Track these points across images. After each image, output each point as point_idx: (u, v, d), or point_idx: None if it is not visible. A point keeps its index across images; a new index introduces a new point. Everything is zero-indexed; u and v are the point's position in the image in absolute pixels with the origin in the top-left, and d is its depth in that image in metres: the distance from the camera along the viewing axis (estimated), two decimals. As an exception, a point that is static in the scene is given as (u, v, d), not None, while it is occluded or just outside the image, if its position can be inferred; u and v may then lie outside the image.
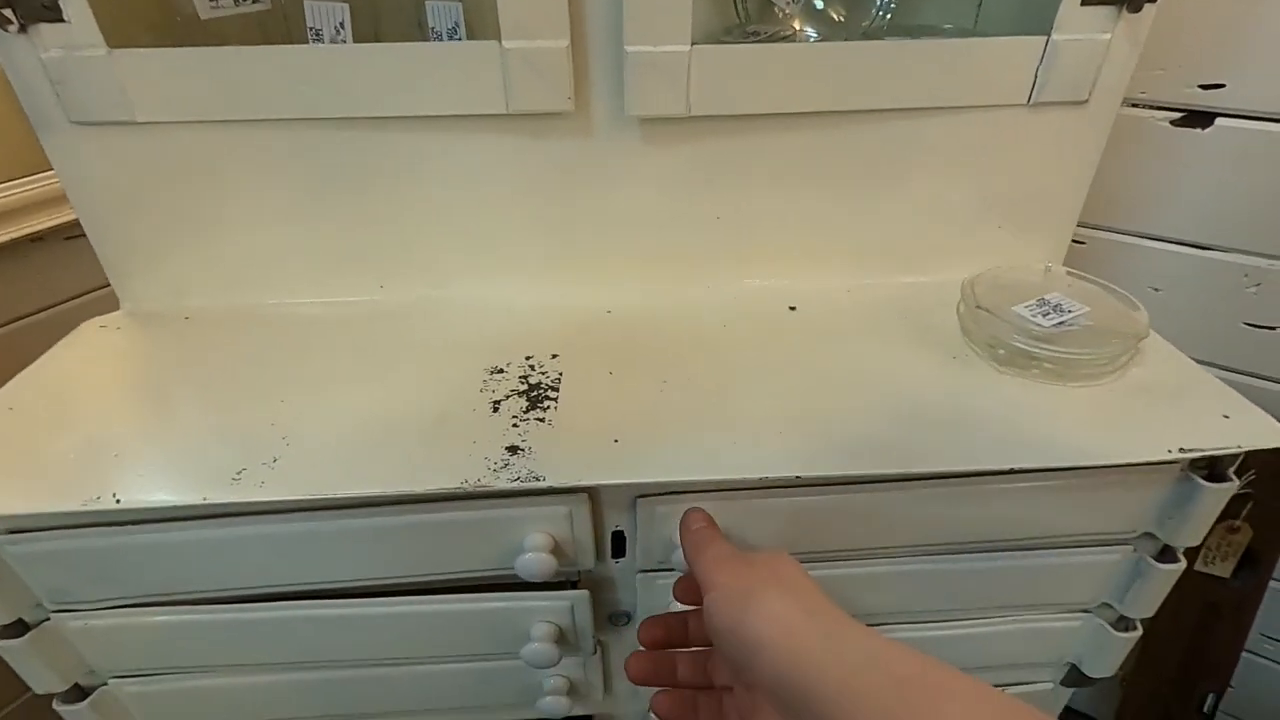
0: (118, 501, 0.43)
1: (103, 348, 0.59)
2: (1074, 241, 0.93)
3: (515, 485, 0.44)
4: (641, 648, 0.41)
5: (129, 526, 0.46)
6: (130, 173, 0.57)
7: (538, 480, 0.44)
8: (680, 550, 0.43)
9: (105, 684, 0.55)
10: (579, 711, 0.63)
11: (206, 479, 0.44)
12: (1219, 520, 0.92)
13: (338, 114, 0.55)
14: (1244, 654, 1.02)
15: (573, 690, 0.58)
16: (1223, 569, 0.94)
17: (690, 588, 0.42)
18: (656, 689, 0.40)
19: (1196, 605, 0.96)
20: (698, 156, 0.59)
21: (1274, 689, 1.07)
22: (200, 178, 0.58)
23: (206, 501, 0.43)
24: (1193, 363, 0.54)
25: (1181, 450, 0.46)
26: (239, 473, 0.45)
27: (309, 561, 0.49)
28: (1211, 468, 0.50)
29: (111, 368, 0.57)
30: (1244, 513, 0.90)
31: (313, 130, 0.56)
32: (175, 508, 0.44)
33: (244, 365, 0.56)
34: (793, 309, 0.63)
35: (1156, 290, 0.91)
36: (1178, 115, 0.82)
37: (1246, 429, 0.47)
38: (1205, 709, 1.00)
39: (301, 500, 0.43)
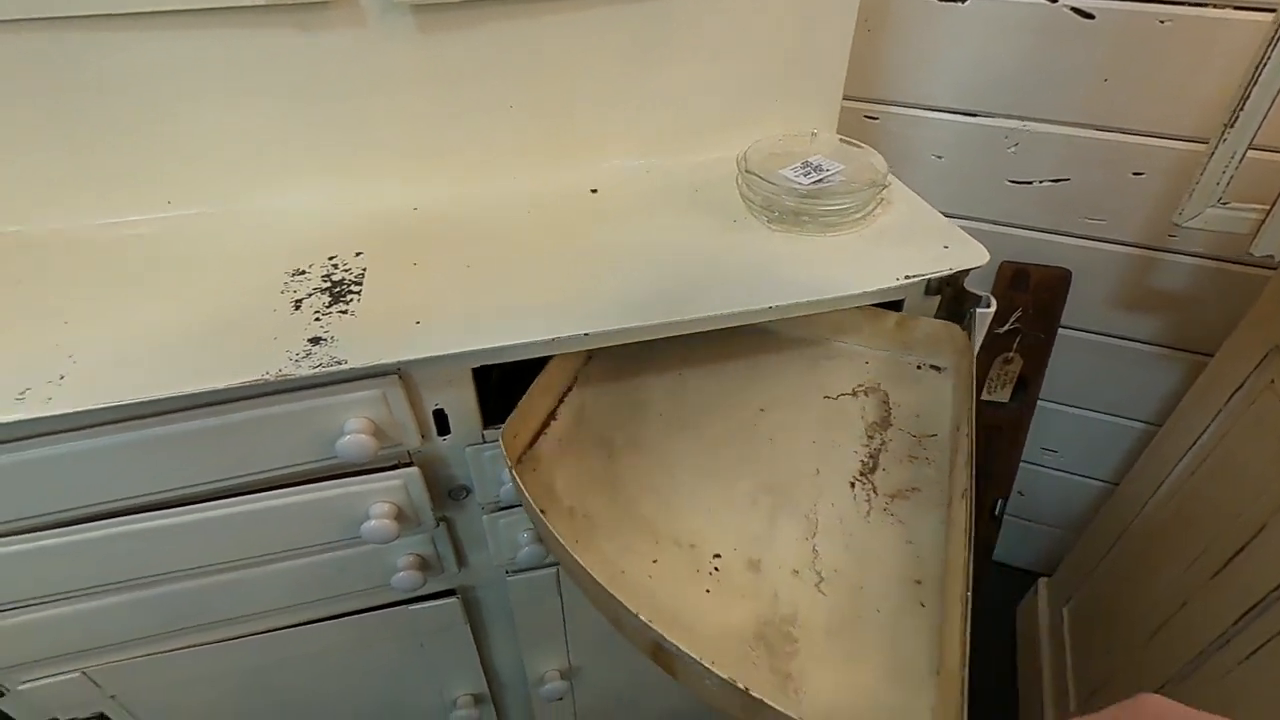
0: (-115, 436, 0.41)
1: None
2: (867, 117, 1.02)
3: (317, 371, 0.46)
4: None
5: (-92, 463, 0.44)
6: None
7: (339, 364, 0.46)
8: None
9: (-72, 632, 0.54)
10: (439, 586, 0.68)
11: (-15, 403, 0.43)
12: (996, 353, 1.09)
13: (72, 11, 0.51)
14: (1025, 464, 1.23)
15: (425, 565, 0.63)
16: (1002, 395, 1.11)
17: None
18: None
19: (983, 429, 1.13)
20: (477, 43, 0.60)
21: (1052, 491, 1.30)
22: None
23: (-13, 424, 0.42)
24: (928, 206, 0.63)
25: (906, 277, 0.54)
26: (23, 392, 0.44)
27: (121, 477, 0.49)
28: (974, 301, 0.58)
29: None
30: (1015, 345, 1.06)
31: (46, 33, 0.52)
32: (-47, 434, 0.43)
33: (15, 293, 0.53)
34: (594, 192, 0.66)
35: (939, 158, 1.02)
36: (940, -10, 0.90)
37: (960, 255, 0.56)
38: (995, 512, 1.20)
39: (97, 410, 0.43)
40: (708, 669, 0.36)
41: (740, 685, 0.35)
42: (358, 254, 0.57)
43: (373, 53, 0.58)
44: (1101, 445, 1.22)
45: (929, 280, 0.56)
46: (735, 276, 0.55)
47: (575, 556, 0.42)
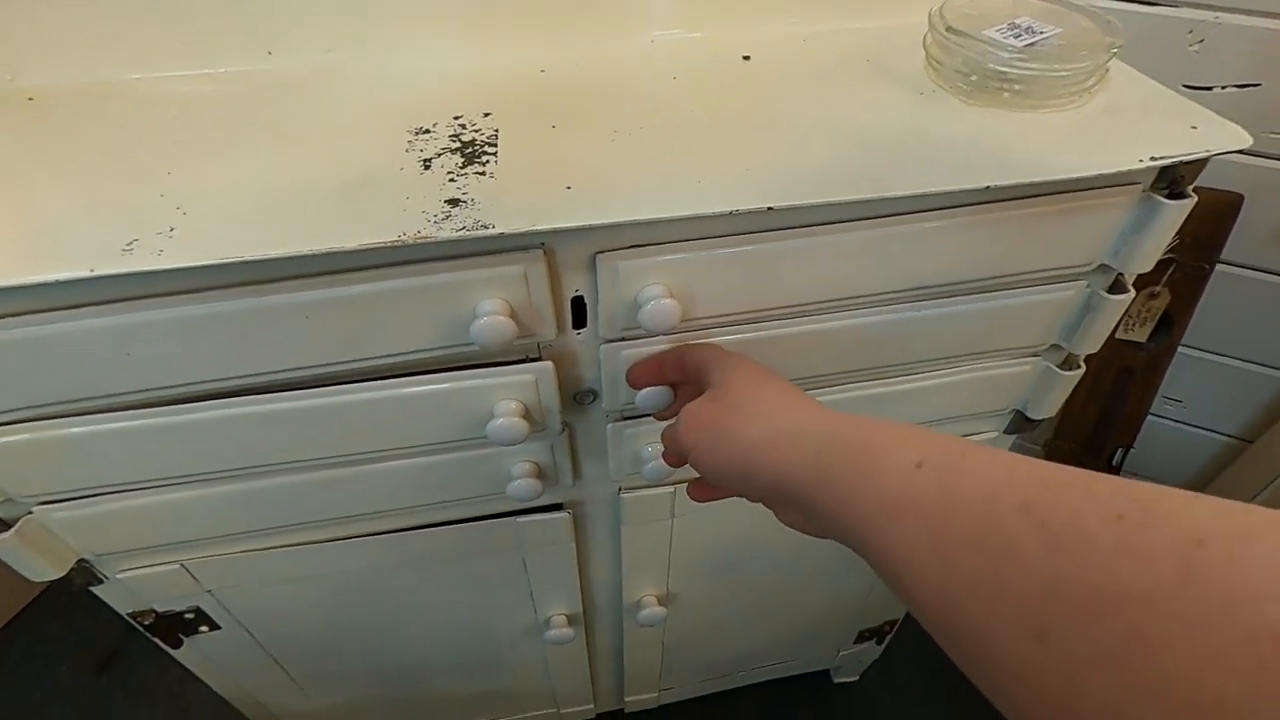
0: (-20, 283, 0.36)
1: (-73, 138, 0.48)
2: (1024, 5, 0.88)
3: (461, 234, 0.39)
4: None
5: (4, 320, 0.39)
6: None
7: (485, 228, 0.39)
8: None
9: (30, 512, 0.50)
10: (548, 500, 0.63)
11: (91, 253, 0.38)
12: (1141, 287, 0.97)
13: None
14: (1148, 416, 1.13)
15: (541, 475, 0.57)
16: (1140, 334, 1.00)
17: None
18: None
19: (1114, 370, 1.03)
20: None
21: (1170, 445, 1.19)
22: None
23: (94, 275, 0.36)
24: (1157, 84, 0.52)
25: (1153, 159, 0.44)
26: (130, 244, 0.38)
27: (232, 351, 0.44)
28: (1172, 186, 0.49)
29: (-57, 158, 0.47)
30: (1165, 278, 0.95)
31: None
32: (56, 285, 0.37)
33: (113, 143, 0.47)
34: (747, 59, 0.57)
35: (1102, 57, 0.89)
36: None
37: (1213, 136, 0.46)
38: (1114, 462, 1.11)
39: (211, 266, 0.37)
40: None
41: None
42: (486, 114, 0.50)
43: None
44: (1235, 397, 1.11)
45: (1174, 166, 0.46)
46: (932, 153, 0.46)
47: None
